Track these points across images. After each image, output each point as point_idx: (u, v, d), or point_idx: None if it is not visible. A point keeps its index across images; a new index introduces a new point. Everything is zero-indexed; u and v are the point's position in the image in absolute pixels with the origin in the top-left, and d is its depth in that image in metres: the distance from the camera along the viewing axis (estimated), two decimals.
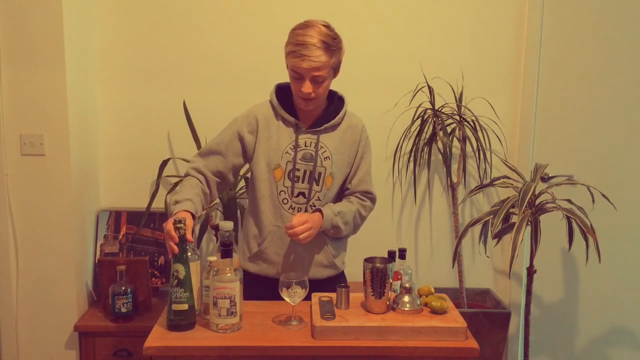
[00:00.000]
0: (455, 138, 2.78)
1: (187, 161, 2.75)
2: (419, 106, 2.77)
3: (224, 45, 2.84)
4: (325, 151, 1.99)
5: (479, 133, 2.73)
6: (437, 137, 2.73)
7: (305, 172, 1.97)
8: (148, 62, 2.84)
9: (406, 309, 1.77)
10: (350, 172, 2.05)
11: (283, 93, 2.04)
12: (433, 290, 1.88)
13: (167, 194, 2.73)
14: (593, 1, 2.85)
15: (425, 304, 1.81)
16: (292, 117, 1.99)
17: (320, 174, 1.98)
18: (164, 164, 2.72)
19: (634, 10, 2.85)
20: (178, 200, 1.84)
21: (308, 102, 1.93)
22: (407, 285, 1.80)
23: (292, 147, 1.97)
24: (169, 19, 2.81)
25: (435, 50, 2.86)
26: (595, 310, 3.03)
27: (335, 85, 2.07)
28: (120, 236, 2.80)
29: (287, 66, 1.94)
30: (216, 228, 2.66)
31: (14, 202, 2.53)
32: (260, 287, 1.99)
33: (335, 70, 1.94)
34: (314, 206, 1.99)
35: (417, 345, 1.64)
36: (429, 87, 2.75)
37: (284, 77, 2.85)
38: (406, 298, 1.79)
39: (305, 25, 1.88)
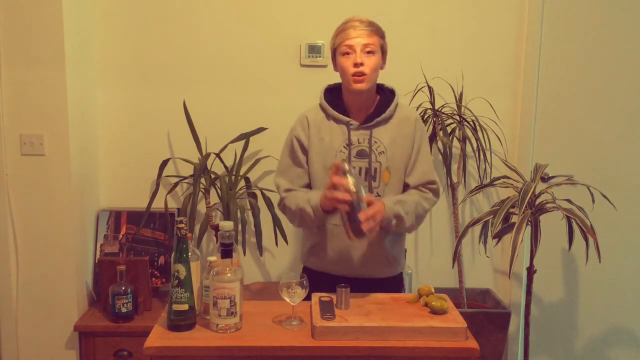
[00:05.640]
0: (455, 138, 2.77)
1: (187, 161, 2.77)
2: (419, 106, 2.76)
3: (223, 45, 2.84)
4: (379, 146, 1.98)
5: (479, 133, 2.73)
6: (437, 137, 2.73)
7: (361, 169, 1.97)
8: (148, 62, 2.84)
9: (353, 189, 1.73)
10: (408, 166, 2.02)
11: (331, 95, 2.04)
12: (433, 290, 1.87)
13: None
14: (593, 1, 2.85)
15: (425, 304, 1.81)
16: (342, 115, 1.99)
17: (375, 169, 1.97)
18: (164, 164, 2.72)
19: (634, 10, 2.85)
20: (310, 198, 1.91)
21: (360, 80, 1.91)
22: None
23: (346, 146, 1.97)
24: (169, 19, 2.81)
25: (435, 50, 2.86)
26: (595, 310, 3.03)
27: None
28: (120, 236, 2.80)
29: (332, 58, 1.98)
30: (216, 228, 2.65)
31: (14, 202, 2.54)
32: (322, 284, 1.93)
33: (383, 54, 1.97)
34: None
35: (417, 345, 1.64)
36: (429, 87, 2.74)
37: (284, 77, 2.87)
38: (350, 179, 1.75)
39: (349, 19, 1.96)
